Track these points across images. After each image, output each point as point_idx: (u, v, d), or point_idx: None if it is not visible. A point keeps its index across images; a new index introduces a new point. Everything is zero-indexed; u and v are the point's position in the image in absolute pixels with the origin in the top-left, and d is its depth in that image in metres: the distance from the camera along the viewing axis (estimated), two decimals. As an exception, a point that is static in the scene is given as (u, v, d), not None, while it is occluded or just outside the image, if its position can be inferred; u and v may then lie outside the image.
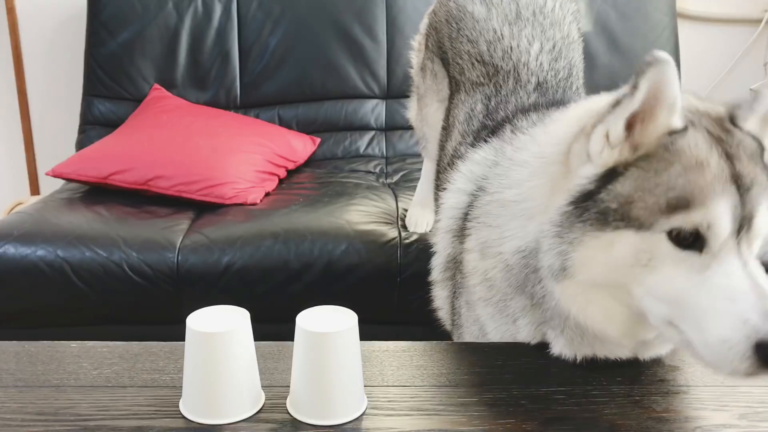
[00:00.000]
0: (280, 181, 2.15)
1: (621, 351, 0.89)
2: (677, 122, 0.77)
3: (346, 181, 2.13)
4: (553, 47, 1.33)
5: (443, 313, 1.21)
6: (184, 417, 0.80)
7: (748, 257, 0.75)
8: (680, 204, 0.73)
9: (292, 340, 0.79)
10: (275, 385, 0.85)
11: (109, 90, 2.42)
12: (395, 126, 2.46)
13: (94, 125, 2.43)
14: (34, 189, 2.76)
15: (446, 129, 1.43)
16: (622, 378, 0.88)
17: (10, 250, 1.70)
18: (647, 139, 0.77)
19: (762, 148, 0.80)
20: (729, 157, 0.76)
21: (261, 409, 0.82)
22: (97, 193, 2.00)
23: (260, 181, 2.03)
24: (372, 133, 2.46)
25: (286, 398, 0.83)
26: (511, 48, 1.32)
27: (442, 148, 1.43)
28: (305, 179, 2.20)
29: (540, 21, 1.35)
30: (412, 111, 1.78)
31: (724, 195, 0.73)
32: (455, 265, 1.10)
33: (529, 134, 1.00)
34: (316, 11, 2.41)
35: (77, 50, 2.48)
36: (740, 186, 0.74)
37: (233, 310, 0.82)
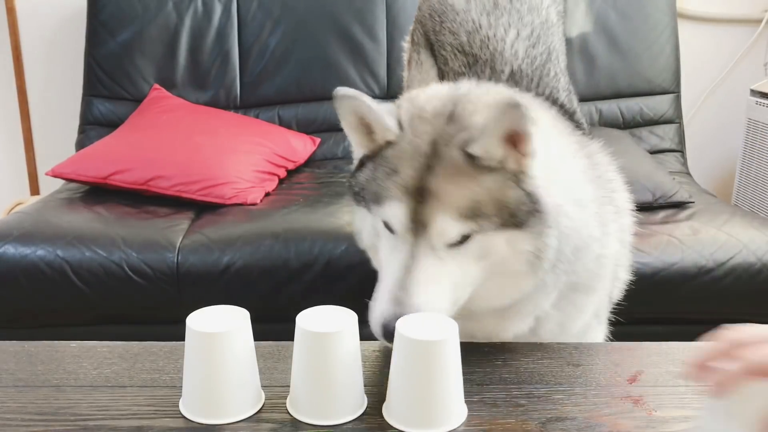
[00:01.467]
0: (280, 181, 2.15)
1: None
2: (390, 137, 0.92)
3: (346, 181, 2.13)
4: (531, 33, 1.34)
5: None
6: (183, 417, 0.80)
7: (425, 251, 0.88)
8: (376, 199, 0.91)
9: (292, 340, 0.79)
10: (275, 384, 0.85)
11: (109, 90, 2.42)
12: (395, 126, 2.46)
13: (93, 125, 2.43)
14: (34, 189, 2.75)
15: None
16: (622, 378, 0.88)
17: (10, 250, 1.70)
18: (373, 144, 0.94)
19: (486, 168, 0.87)
20: (426, 171, 0.88)
21: (261, 408, 0.82)
22: (96, 193, 2.00)
23: (260, 181, 2.03)
24: (372, 133, 2.46)
25: (286, 398, 0.83)
26: (488, 38, 1.34)
27: None
28: (305, 179, 2.20)
29: (517, 8, 1.36)
30: None
31: (399, 201, 0.88)
32: None
33: None
34: (316, 11, 2.41)
35: (77, 50, 2.48)
36: (419, 196, 0.87)
37: (233, 310, 0.82)
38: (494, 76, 1.30)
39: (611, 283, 1.13)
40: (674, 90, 2.46)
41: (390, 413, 0.81)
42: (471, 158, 0.87)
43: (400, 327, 0.77)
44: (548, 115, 1.08)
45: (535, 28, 1.35)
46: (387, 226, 0.91)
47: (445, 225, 0.86)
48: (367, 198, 0.93)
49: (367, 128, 0.93)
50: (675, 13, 2.46)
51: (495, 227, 0.87)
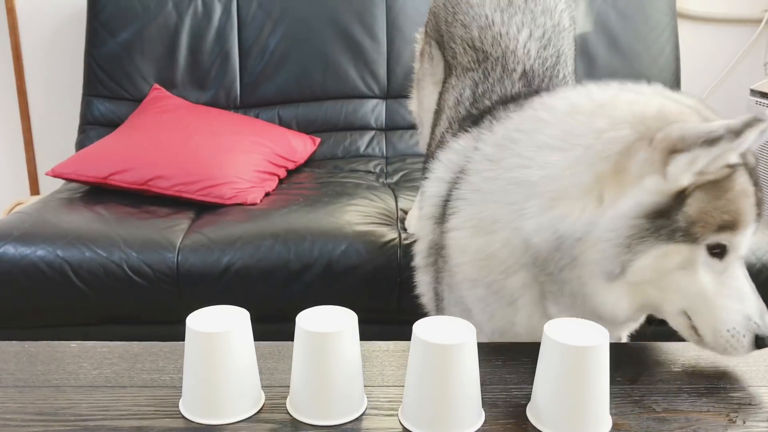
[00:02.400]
0: (280, 181, 2.15)
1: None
2: (735, 159, 0.87)
3: (346, 181, 2.13)
4: (543, 35, 1.34)
5: (426, 300, 1.25)
6: (184, 417, 0.80)
7: (742, 264, 0.92)
8: (728, 225, 0.87)
9: (292, 340, 0.79)
10: (275, 385, 0.85)
11: (109, 90, 2.42)
12: (395, 126, 2.46)
13: (94, 125, 2.43)
14: (34, 189, 2.76)
15: (437, 113, 1.44)
16: (622, 378, 0.88)
17: (10, 250, 1.70)
18: (713, 169, 0.86)
19: None
20: (756, 185, 0.89)
21: (261, 409, 0.82)
22: (96, 193, 2.00)
23: (260, 181, 2.03)
24: (372, 133, 2.46)
25: (286, 398, 0.83)
26: (500, 34, 1.33)
27: (432, 131, 1.45)
28: (305, 179, 2.20)
29: (531, 8, 1.36)
30: (413, 100, 1.78)
31: (754, 219, 0.89)
32: (437, 250, 1.14)
33: (544, 117, 1.01)
34: (316, 11, 2.41)
35: (77, 50, 2.48)
36: (759, 211, 0.89)
37: (233, 310, 0.82)
38: (506, 74, 1.30)
39: None
40: (674, 89, 2.46)
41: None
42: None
43: (418, 330, 0.77)
44: None
45: (547, 30, 1.35)
46: (719, 251, 0.89)
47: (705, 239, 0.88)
48: (709, 229, 0.87)
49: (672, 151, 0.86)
50: (675, 13, 2.47)
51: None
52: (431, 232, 1.16)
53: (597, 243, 0.89)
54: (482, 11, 1.37)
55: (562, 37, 1.37)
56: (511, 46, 1.32)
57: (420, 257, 1.23)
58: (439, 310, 1.18)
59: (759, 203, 0.89)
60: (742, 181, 0.87)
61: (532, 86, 1.27)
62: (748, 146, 0.86)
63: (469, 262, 1.03)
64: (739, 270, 0.92)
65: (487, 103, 1.27)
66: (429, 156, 1.40)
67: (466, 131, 1.17)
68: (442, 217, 1.11)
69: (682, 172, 0.85)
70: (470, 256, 1.03)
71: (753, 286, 0.93)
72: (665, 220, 0.86)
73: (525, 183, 0.96)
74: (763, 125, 0.83)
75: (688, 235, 0.86)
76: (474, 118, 1.23)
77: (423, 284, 1.24)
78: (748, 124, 0.82)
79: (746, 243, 0.90)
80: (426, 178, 1.22)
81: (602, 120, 0.93)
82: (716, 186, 0.86)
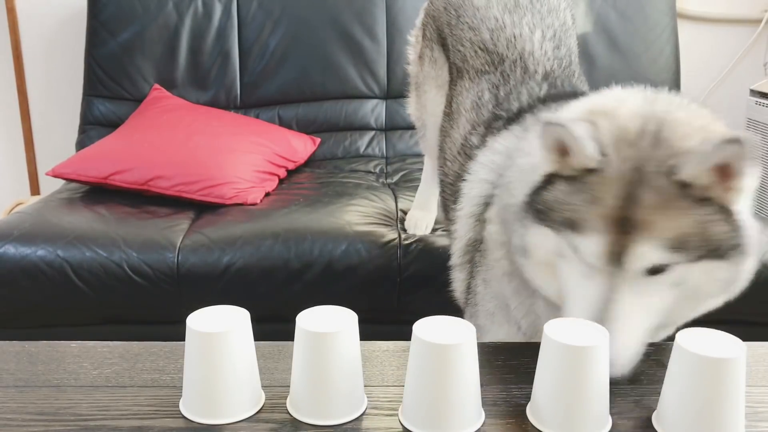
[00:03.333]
0: (280, 181, 2.15)
1: None
2: (592, 164, 0.86)
3: (346, 181, 2.13)
4: (554, 35, 1.34)
5: (459, 294, 1.27)
6: (184, 417, 0.80)
7: (625, 284, 0.85)
8: (572, 226, 0.87)
9: (292, 340, 0.79)
10: (275, 385, 0.85)
11: (110, 90, 2.42)
12: (395, 126, 2.46)
13: (94, 125, 2.43)
14: (35, 189, 2.76)
15: (449, 115, 1.44)
16: (622, 378, 0.88)
17: (10, 250, 1.70)
18: (573, 166, 0.88)
19: (695, 198, 0.83)
20: (630, 200, 0.84)
21: (261, 409, 0.82)
22: (97, 193, 2.00)
23: (260, 181, 2.03)
24: (372, 133, 2.46)
25: (286, 398, 0.83)
26: (514, 36, 1.33)
27: (446, 134, 1.44)
28: (305, 179, 2.20)
29: (538, 8, 1.36)
30: (411, 104, 1.78)
31: (600, 233, 0.84)
32: (474, 247, 1.17)
33: None
34: (316, 11, 2.41)
35: (77, 50, 2.48)
36: (622, 227, 0.83)
37: (233, 310, 0.82)
38: (526, 76, 1.29)
39: None
40: (674, 90, 2.46)
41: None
42: (680, 187, 0.83)
43: (418, 330, 0.77)
44: None
45: (557, 30, 1.35)
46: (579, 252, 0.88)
47: (651, 257, 0.83)
48: (557, 220, 0.88)
49: (562, 149, 0.88)
50: (675, 13, 2.47)
51: (696, 258, 0.84)
52: (471, 230, 1.18)
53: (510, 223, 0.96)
54: (490, 13, 1.36)
55: (569, 36, 1.38)
56: (528, 47, 1.31)
57: (456, 256, 1.25)
58: (470, 306, 1.19)
59: (612, 216, 0.84)
60: (599, 189, 0.85)
61: (556, 86, 1.26)
62: (593, 154, 0.85)
63: (503, 257, 1.06)
64: (599, 283, 0.86)
65: (516, 104, 1.26)
66: (447, 158, 1.40)
67: (505, 129, 1.19)
68: (482, 215, 1.14)
69: (545, 159, 0.90)
70: (503, 251, 1.06)
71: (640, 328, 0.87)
72: (534, 196, 0.91)
73: (521, 169, 0.99)
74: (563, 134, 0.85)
75: (545, 220, 0.89)
76: (507, 120, 1.23)
77: (458, 281, 1.26)
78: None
79: (593, 253, 0.85)
80: (463, 179, 1.23)
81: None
82: (576, 183, 0.87)
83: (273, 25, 2.41)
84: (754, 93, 2.44)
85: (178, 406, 0.81)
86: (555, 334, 0.76)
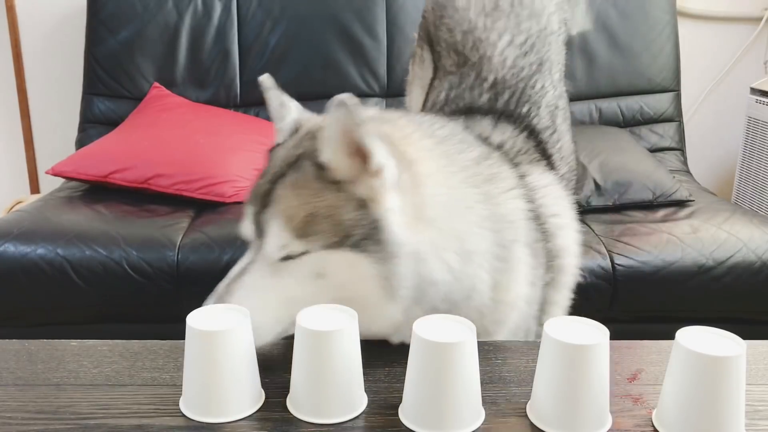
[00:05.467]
0: (280, 179, 2.14)
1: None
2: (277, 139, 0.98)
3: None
4: (525, 41, 1.32)
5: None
6: (184, 415, 0.80)
7: (260, 259, 0.88)
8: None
9: (293, 338, 0.79)
10: (275, 383, 0.85)
11: (109, 88, 2.42)
12: (395, 124, 2.46)
13: (94, 124, 2.43)
14: (34, 187, 2.75)
15: None
16: (622, 376, 0.88)
17: (10, 248, 1.70)
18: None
19: (329, 182, 0.86)
20: (276, 179, 0.88)
21: (261, 407, 0.82)
22: (96, 191, 2.00)
23: (260, 180, 2.02)
24: (372, 131, 2.46)
25: (286, 397, 0.83)
26: (480, 40, 1.31)
27: None
28: (305, 178, 2.19)
29: (518, 12, 1.34)
30: (406, 103, 1.78)
31: (248, 204, 0.91)
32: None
33: None
34: (316, 9, 2.41)
35: (77, 48, 2.48)
36: (264, 202, 0.88)
37: (233, 308, 0.82)
38: (477, 82, 1.28)
39: (526, 322, 1.04)
40: (674, 88, 2.46)
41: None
42: (320, 171, 0.85)
43: (418, 329, 0.77)
44: (443, 153, 0.97)
45: (532, 36, 1.32)
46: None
47: (278, 234, 0.85)
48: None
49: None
50: (675, 11, 2.47)
51: (329, 245, 0.84)
52: None
53: None
54: (467, 15, 1.35)
55: (548, 42, 1.35)
56: (489, 52, 1.29)
57: None
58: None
59: (259, 191, 0.89)
60: (266, 166, 0.93)
61: (499, 98, 1.25)
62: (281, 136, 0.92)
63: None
64: (251, 275, 0.87)
65: (453, 107, 1.26)
66: None
67: None
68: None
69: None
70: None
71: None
72: None
73: None
74: None
75: None
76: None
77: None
78: None
79: (245, 230, 0.91)
80: None
81: None
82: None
83: (273, 24, 2.41)
84: (755, 91, 2.44)
85: (178, 405, 0.81)
86: (555, 332, 0.76)
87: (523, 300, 1.00)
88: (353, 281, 0.85)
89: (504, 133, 1.17)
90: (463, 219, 0.93)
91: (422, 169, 0.90)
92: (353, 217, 0.84)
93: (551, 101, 1.28)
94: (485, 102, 1.25)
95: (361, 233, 0.84)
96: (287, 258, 0.85)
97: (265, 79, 1.01)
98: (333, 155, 0.84)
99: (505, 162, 1.07)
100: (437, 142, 0.97)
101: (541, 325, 1.02)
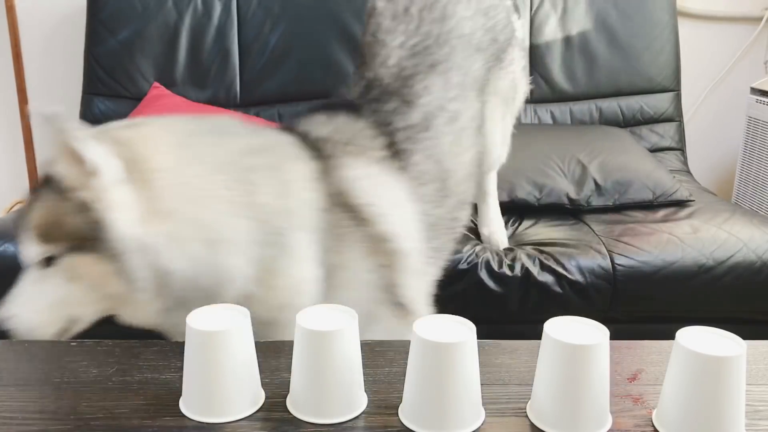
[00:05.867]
0: (280, 179, 2.14)
1: None
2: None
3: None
4: (418, 43, 1.33)
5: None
6: (184, 415, 0.80)
7: (31, 268, 0.99)
8: None
9: (292, 338, 0.79)
10: (275, 383, 0.85)
11: (109, 88, 2.42)
12: (395, 124, 2.46)
13: (94, 124, 2.41)
14: (34, 187, 2.75)
15: None
16: (622, 376, 0.88)
17: (10, 248, 1.70)
18: None
19: (59, 192, 0.94)
20: (32, 195, 0.98)
21: (261, 407, 0.82)
22: (97, 191, 1.99)
23: (260, 180, 2.02)
24: (372, 131, 2.46)
25: (286, 397, 0.83)
26: (377, 41, 1.34)
27: None
28: (305, 178, 2.19)
29: (423, 16, 1.35)
30: None
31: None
32: None
33: None
34: (316, 9, 2.41)
35: (77, 48, 2.48)
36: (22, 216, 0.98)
37: (233, 308, 0.82)
38: (356, 78, 1.33)
39: (365, 306, 1.08)
40: (674, 88, 2.46)
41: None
42: (55, 182, 0.93)
43: (418, 329, 0.77)
44: (188, 148, 1.01)
45: (429, 38, 1.33)
46: None
47: (27, 242, 0.95)
48: None
49: None
50: (675, 11, 2.46)
51: (71, 249, 0.92)
52: None
53: None
54: (381, 19, 1.37)
55: (450, 46, 1.35)
56: (377, 52, 1.32)
57: None
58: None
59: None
60: None
61: (367, 95, 1.28)
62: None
63: None
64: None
65: (328, 103, 1.32)
66: None
67: None
68: None
69: None
70: None
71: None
72: None
73: None
74: None
75: None
76: None
77: None
78: None
79: None
80: None
81: None
82: None
83: (273, 23, 2.40)
84: (755, 91, 2.44)
85: (178, 405, 0.81)
86: (555, 332, 0.76)
87: (310, 282, 1.04)
88: (102, 279, 0.92)
89: (337, 126, 1.21)
90: (210, 209, 0.96)
91: (156, 165, 0.95)
92: (80, 220, 0.91)
93: (435, 102, 1.30)
94: (354, 97, 1.30)
95: (91, 234, 0.90)
96: (48, 264, 0.94)
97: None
98: (59, 166, 0.92)
99: (302, 154, 1.11)
100: (183, 139, 1.02)
101: (396, 305, 1.12)
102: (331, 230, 1.07)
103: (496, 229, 1.82)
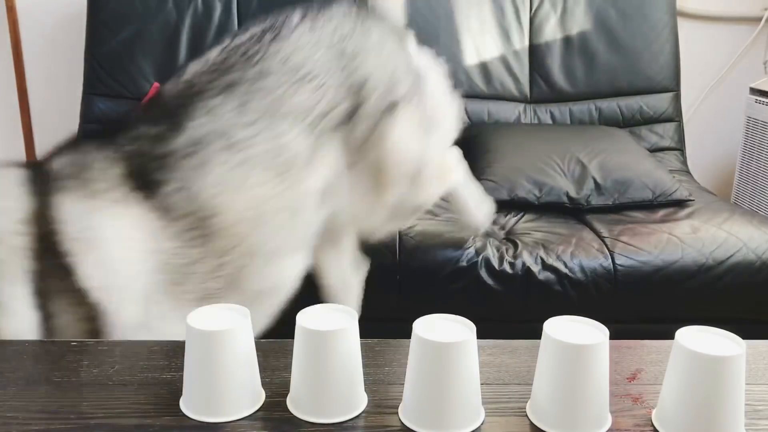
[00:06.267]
0: (280, 179, 2.14)
1: None
2: None
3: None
4: (223, 60, 1.42)
5: None
6: (184, 415, 0.80)
7: None
8: None
9: (293, 338, 0.79)
10: (275, 383, 0.85)
11: (110, 88, 2.42)
12: (395, 124, 2.46)
13: (94, 124, 2.43)
14: (34, 187, 2.75)
15: None
16: (621, 376, 0.88)
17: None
18: None
19: None
20: None
21: (261, 406, 0.82)
22: (97, 191, 1.99)
23: (260, 180, 2.02)
24: (372, 131, 2.46)
25: (286, 396, 0.83)
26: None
27: None
28: (305, 177, 2.19)
29: (267, 40, 1.41)
30: None
31: None
32: None
33: None
34: (316, 9, 2.41)
35: (77, 48, 2.48)
36: None
37: (233, 308, 0.82)
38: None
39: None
40: (674, 88, 2.47)
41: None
42: None
43: (418, 328, 0.77)
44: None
45: (237, 55, 1.38)
46: None
47: None
48: None
49: None
50: (675, 11, 2.47)
51: None
52: None
53: None
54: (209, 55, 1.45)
55: (266, 69, 1.31)
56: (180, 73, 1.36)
57: None
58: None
59: None
60: None
61: (138, 118, 1.27)
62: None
63: None
64: None
65: None
66: None
67: None
68: None
69: None
70: None
71: None
72: None
73: None
74: None
75: None
76: None
77: None
78: None
79: None
80: None
81: None
82: None
83: (273, 24, 2.40)
84: (754, 91, 2.44)
85: (178, 404, 0.81)
86: (555, 332, 0.76)
87: (27, 333, 1.03)
88: None
89: (74, 158, 1.16)
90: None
91: None
92: None
93: (211, 126, 1.21)
94: (129, 120, 1.29)
95: None
96: None
97: None
98: None
99: (15, 192, 1.09)
100: None
101: None
102: (42, 279, 1.03)
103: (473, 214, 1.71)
